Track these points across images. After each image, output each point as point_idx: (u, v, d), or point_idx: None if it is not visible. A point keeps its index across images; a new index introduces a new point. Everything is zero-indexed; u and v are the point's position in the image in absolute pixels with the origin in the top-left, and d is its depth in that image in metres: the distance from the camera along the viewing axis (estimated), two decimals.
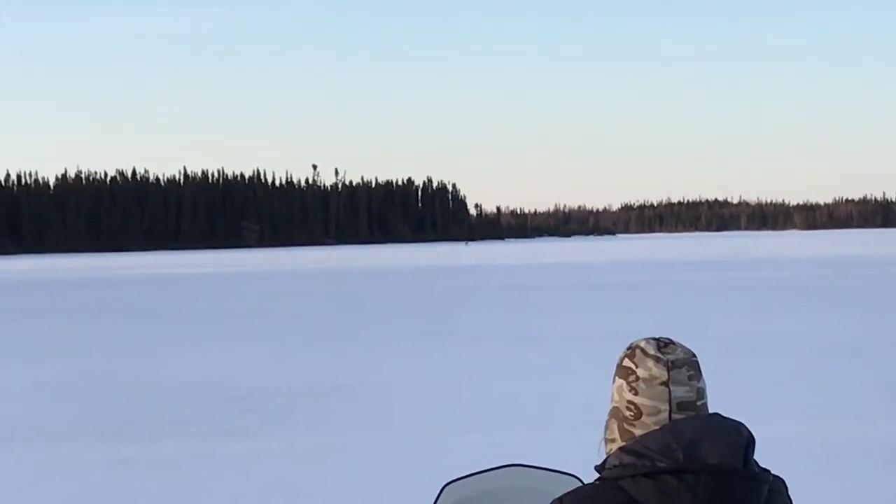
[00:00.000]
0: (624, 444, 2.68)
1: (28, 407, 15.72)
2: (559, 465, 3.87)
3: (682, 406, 2.68)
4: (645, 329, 24.29)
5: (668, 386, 2.67)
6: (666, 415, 2.67)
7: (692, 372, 2.70)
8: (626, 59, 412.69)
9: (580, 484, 3.37)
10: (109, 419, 14.41)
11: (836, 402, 14.60)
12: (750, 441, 2.68)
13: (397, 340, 24.04)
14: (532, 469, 3.68)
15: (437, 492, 3.59)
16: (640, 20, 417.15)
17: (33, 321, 32.39)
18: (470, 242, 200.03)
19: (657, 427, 2.66)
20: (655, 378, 2.67)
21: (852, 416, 13.48)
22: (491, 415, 14.00)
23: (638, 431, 2.67)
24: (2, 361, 21.73)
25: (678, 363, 2.69)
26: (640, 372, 2.69)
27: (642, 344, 2.73)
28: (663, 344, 2.72)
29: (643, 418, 2.68)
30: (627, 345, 2.77)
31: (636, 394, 2.69)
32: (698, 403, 2.69)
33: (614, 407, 2.74)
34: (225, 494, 10.04)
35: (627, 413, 2.70)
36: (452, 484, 3.61)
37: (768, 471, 2.70)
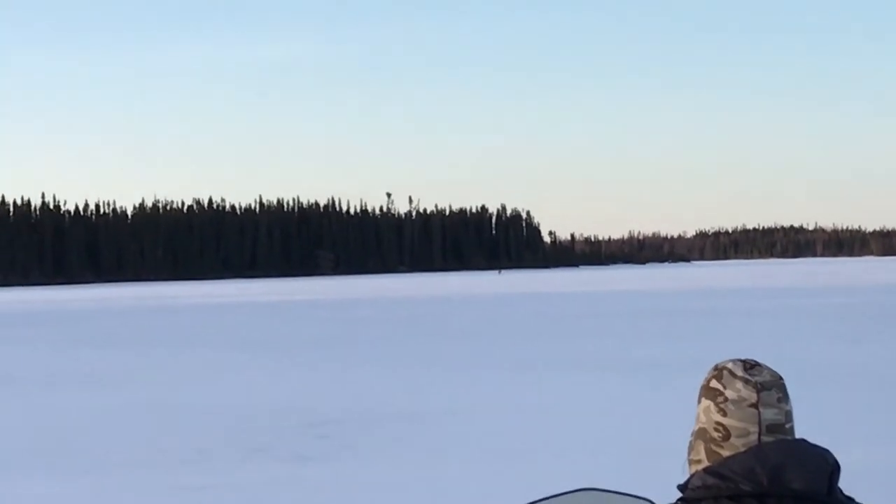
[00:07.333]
0: (709, 465, 2.69)
1: (106, 434, 15.86)
2: (635, 491, 3.88)
3: (772, 429, 2.67)
4: (720, 356, 24.07)
5: (757, 408, 2.66)
6: (755, 437, 2.66)
7: (780, 394, 2.69)
8: (701, 87, 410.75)
9: None
10: (186, 446, 14.51)
11: None
12: (835, 468, 2.67)
13: (472, 367, 24.03)
14: (606, 493, 3.68)
15: None
16: (711, 48, 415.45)
17: (112, 349, 32.67)
18: (503, 271, 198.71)
19: (745, 449, 2.65)
20: (745, 400, 2.67)
21: None
22: (566, 441, 13.97)
23: (726, 453, 2.67)
24: (81, 388, 21.95)
25: (767, 385, 2.68)
26: (729, 393, 2.68)
27: (729, 365, 2.72)
28: (750, 366, 2.71)
29: (732, 440, 2.67)
30: (713, 366, 2.76)
31: (725, 415, 2.68)
32: (787, 426, 2.69)
33: (700, 428, 2.73)
34: None
35: (715, 434, 2.69)
36: None
37: (852, 499, 2.69)
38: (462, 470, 12.23)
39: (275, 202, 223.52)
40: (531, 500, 3.67)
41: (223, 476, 12.33)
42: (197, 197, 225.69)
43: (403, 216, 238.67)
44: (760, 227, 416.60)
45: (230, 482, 11.97)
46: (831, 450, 2.72)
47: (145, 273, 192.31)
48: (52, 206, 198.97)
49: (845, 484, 2.75)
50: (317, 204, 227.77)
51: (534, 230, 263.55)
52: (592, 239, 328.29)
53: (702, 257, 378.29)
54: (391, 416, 16.75)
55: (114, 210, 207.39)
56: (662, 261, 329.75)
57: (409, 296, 78.29)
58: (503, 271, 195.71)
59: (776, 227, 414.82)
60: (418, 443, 14.31)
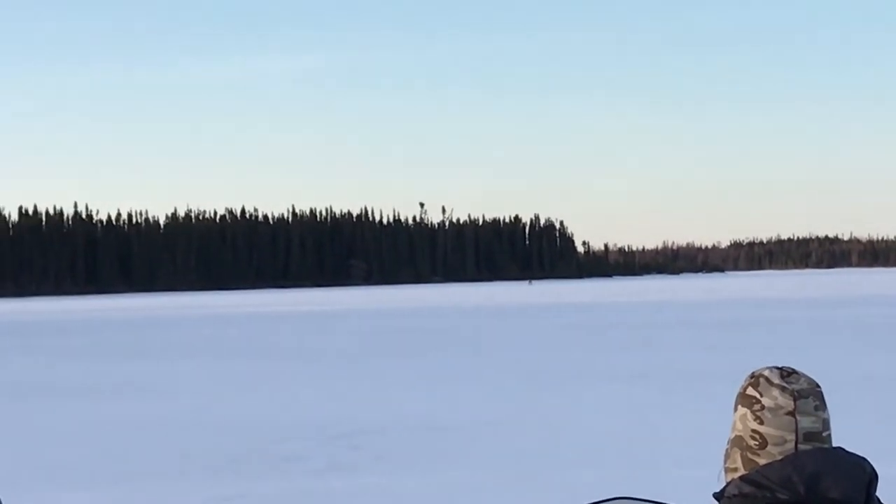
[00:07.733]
0: (745, 473, 2.67)
1: (138, 444, 15.91)
2: (671, 499, 3.85)
3: (809, 437, 2.64)
4: (756, 364, 23.94)
5: (794, 416, 2.64)
6: (792, 445, 2.63)
7: (818, 402, 2.66)
8: (734, 97, 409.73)
9: None
10: (218, 456, 14.53)
11: None
12: (873, 477, 2.65)
13: (505, 378, 24.01)
14: (640, 501, 3.66)
15: None
16: (740, 58, 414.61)
17: (143, 359, 32.79)
18: (534, 282, 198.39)
19: (782, 457, 2.63)
20: (781, 408, 2.64)
21: None
22: (599, 451, 13.93)
23: (762, 461, 2.64)
24: (113, 399, 22.03)
25: (804, 393, 2.65)
26: (766, 401, 2.65)
27: (766, 373, 2.69)
28: (787, 373, 2.68)
29: (768, 448, 2.64)
30: (750, 374, 2.73)
31: (761, 423, 2.65)
32: (824, 434, 2.66)
33: (737, 436, 2.70)
34: None
35: (751, 442, 2.66)
36: None
37: None
38: (494, 480, 12.20)
39: (307, 212, 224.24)
40: None
41: (256, 486, 12.34)
42: (229, 206, 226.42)
43: (436, 226, 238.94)
44: (795, 238, 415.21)
45: (263, 492, 11.98)
46: (869, 459, 2.69)
47: (177, 283, 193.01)
48: (84, 216, 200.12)
49: (883, 493, 2.72)
50: (350, 213, 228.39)
51: (567, 240, 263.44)
52: (626, 249, 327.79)
53: (736, 268, 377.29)
54: (423, 427, 16.75)
55: (146, 220, 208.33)
56: (696, 271, 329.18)
57: (439, 306, 78.33)
58: (534, 282, 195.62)
59: (811, 238, 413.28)
60: (450, 454, 14.29)
